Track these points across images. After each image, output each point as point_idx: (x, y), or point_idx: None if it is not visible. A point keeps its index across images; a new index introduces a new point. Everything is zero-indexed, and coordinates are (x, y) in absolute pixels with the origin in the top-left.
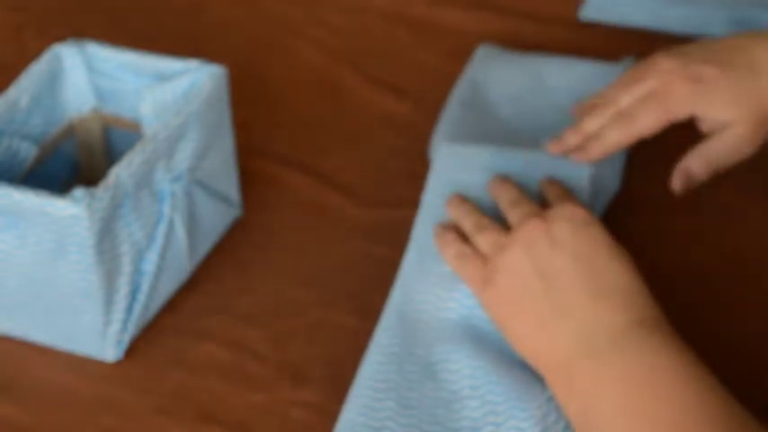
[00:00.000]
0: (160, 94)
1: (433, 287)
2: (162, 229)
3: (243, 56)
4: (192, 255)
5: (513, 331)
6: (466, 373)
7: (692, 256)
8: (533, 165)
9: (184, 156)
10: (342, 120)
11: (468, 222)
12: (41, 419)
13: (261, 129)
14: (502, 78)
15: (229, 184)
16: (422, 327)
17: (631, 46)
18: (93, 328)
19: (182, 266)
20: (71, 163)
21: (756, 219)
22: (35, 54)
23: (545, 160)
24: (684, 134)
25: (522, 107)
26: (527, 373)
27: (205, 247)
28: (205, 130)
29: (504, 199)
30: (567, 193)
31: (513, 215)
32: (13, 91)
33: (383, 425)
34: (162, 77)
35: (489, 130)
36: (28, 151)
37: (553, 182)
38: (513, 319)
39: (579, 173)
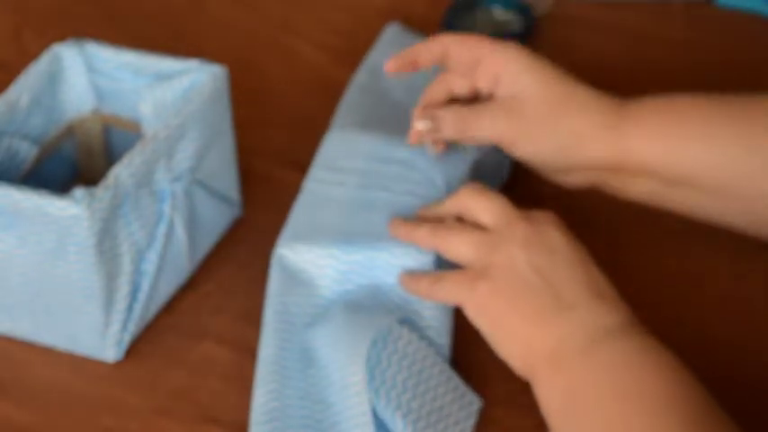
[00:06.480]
0: (160, 94)
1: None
2: (162, 228)
3: (243, 56)
4: (192, 255)
5: (505, 326)
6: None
7: (692, 258)
8: (418, 151)
9: (184, 156)
10: None
11: (439, 234)
12: (41, 419)
13: (261, 128)
14: None
15: (229, 184)
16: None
17: (625, 45)
18: (93, 329)
19: (182, 266)
20: (71, 163)
21: None
22: (35, 54)
23: (429, 147)
24: None
25: (414, 91)
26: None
27: (205, 247)
28: (205, 130)
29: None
30: (484, 189)
31: (493, 218)
32: (12, 91)
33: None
34: (162, 77)
35: (384, 114)
36: (28, 151)
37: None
38: (508, 312)
39: (461, 160)
